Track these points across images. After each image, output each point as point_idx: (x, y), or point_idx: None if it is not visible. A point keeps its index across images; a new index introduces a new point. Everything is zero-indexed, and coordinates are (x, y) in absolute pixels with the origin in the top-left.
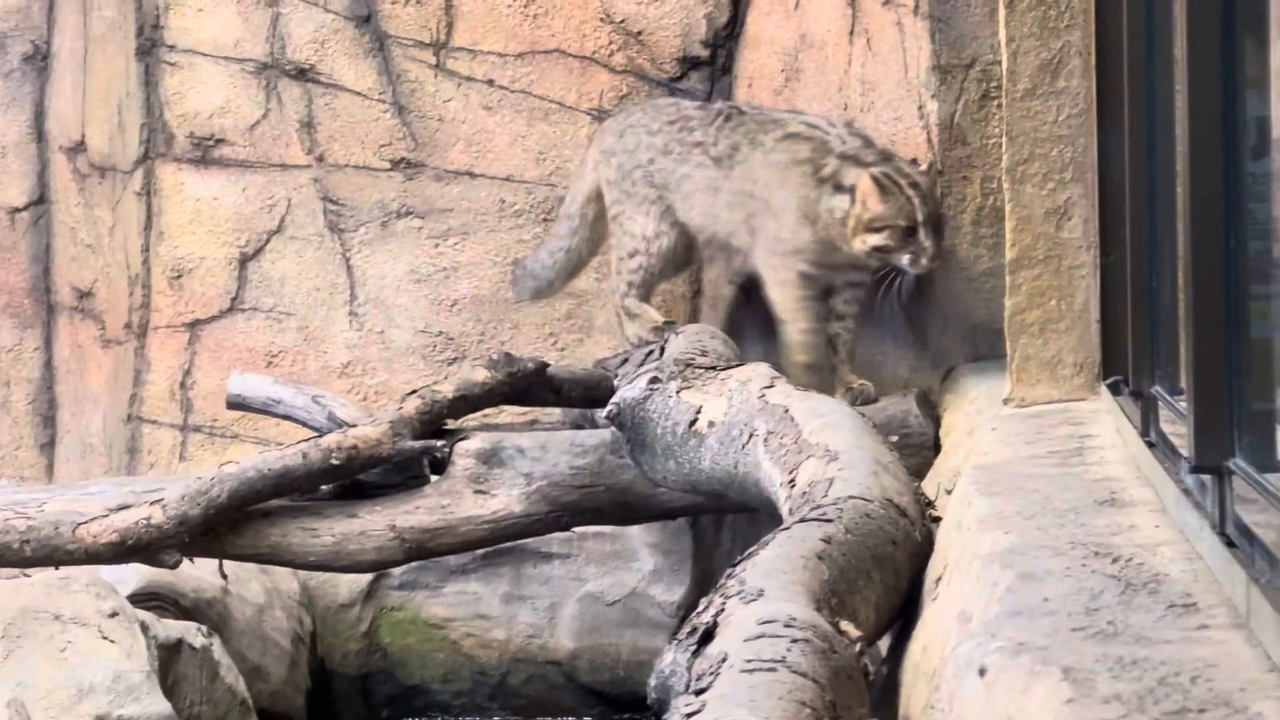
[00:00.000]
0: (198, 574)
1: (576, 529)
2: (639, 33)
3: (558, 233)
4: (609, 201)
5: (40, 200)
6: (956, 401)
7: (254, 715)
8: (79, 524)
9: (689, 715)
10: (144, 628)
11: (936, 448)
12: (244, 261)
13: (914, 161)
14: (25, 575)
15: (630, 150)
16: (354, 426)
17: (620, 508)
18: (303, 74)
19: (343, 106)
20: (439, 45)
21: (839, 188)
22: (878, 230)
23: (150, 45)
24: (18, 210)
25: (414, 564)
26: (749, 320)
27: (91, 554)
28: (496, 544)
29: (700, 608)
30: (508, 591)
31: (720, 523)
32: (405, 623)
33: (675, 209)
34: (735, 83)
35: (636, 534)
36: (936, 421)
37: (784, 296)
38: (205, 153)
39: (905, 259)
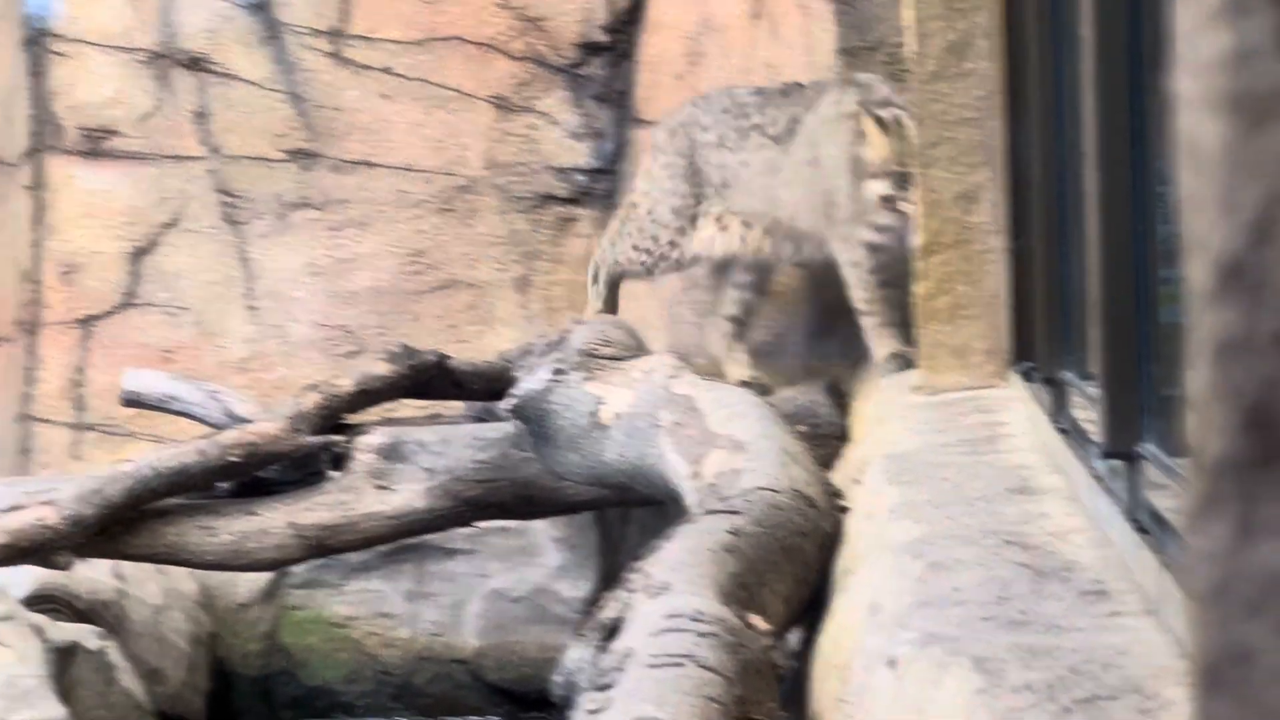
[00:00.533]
0: (93, 575)
1: (480, 524)
2: (538, 19)
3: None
4: (639, 192)
5: None
6: (865, 390)
7: (152, 719)
8: None
9: (594, 712)
10: (38, 631)
11: (845, 438)
12: (137, 256)
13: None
14: None
15: (681, 151)
16: (252, 422)
17: (524, 502)
18: (195, 63)
19: (237, 96)
20: (335, 33)
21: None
22: (878, 177)
23: (37, 35)
24: None
25: (315, 562)
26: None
27: None
28: (399, 540)
29: (605, 602)
30: (411, 589)
31: (627, 516)
32: (307, 622)
33: (732, 202)
34: (636, 68)
35: (541, 529)
36: (845, 411)
37: (855, 279)
38: (96, 145)
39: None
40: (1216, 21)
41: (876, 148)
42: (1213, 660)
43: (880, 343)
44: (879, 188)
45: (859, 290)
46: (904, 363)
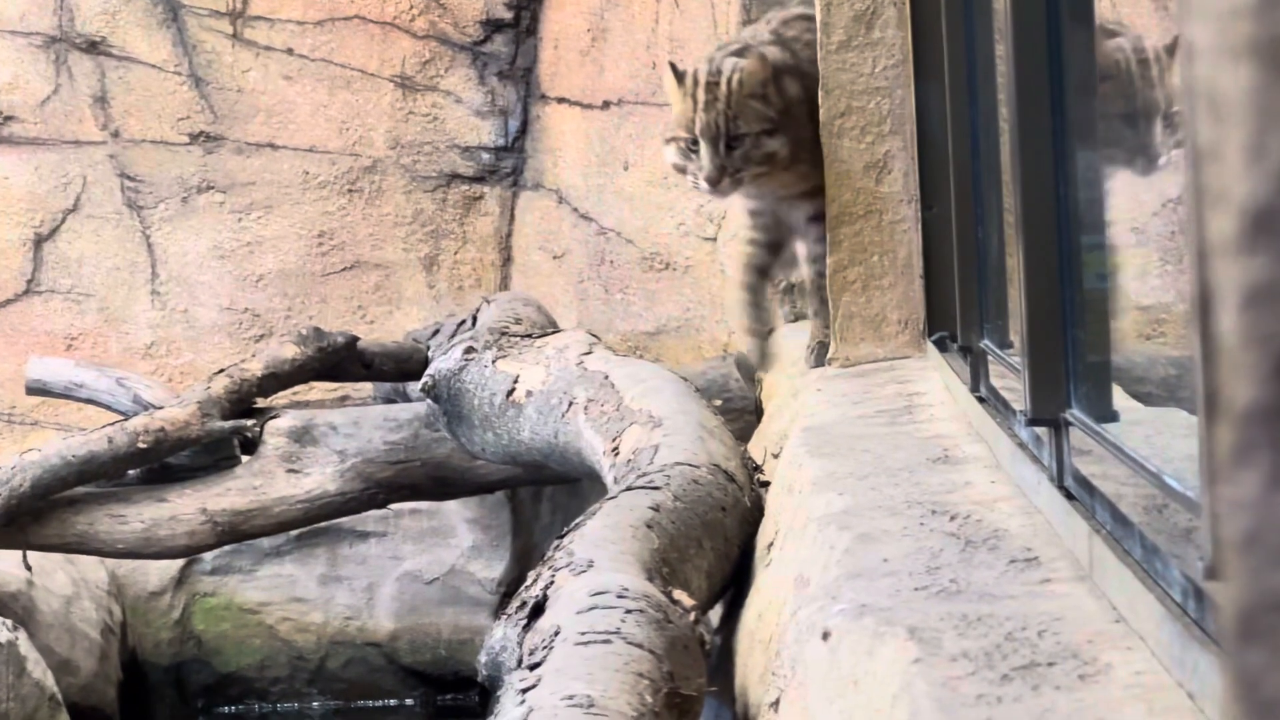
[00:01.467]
0: (1, 567)
1: (393, 506)
2: None
3: None
4: None
5: None
6: (778, 364)
7: (64, 710)
8: None
9: (524, 690)
10: None
11: (758, 412)
12: (39, 242)
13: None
14: None
15: None
16: (160, 408)
17: (437, 483)
18: (94, 47)
19: (137, 80)
20: (236, 14)
21: None
22: (669, 141)
23: None
24: None
25: (227, 548)
26: None
27: None
28: (311, 524)
29: (529, 581)
30: (324, 573)
31: (539, 495)
32: (219, 609)
33: None
34: (540, 44)
35: (454, 509)
36: (758, 385)
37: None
38: None
39: (690, 181)
40: None
41: (672, 106)
42: (1246, 610)
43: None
44: (669, 154)
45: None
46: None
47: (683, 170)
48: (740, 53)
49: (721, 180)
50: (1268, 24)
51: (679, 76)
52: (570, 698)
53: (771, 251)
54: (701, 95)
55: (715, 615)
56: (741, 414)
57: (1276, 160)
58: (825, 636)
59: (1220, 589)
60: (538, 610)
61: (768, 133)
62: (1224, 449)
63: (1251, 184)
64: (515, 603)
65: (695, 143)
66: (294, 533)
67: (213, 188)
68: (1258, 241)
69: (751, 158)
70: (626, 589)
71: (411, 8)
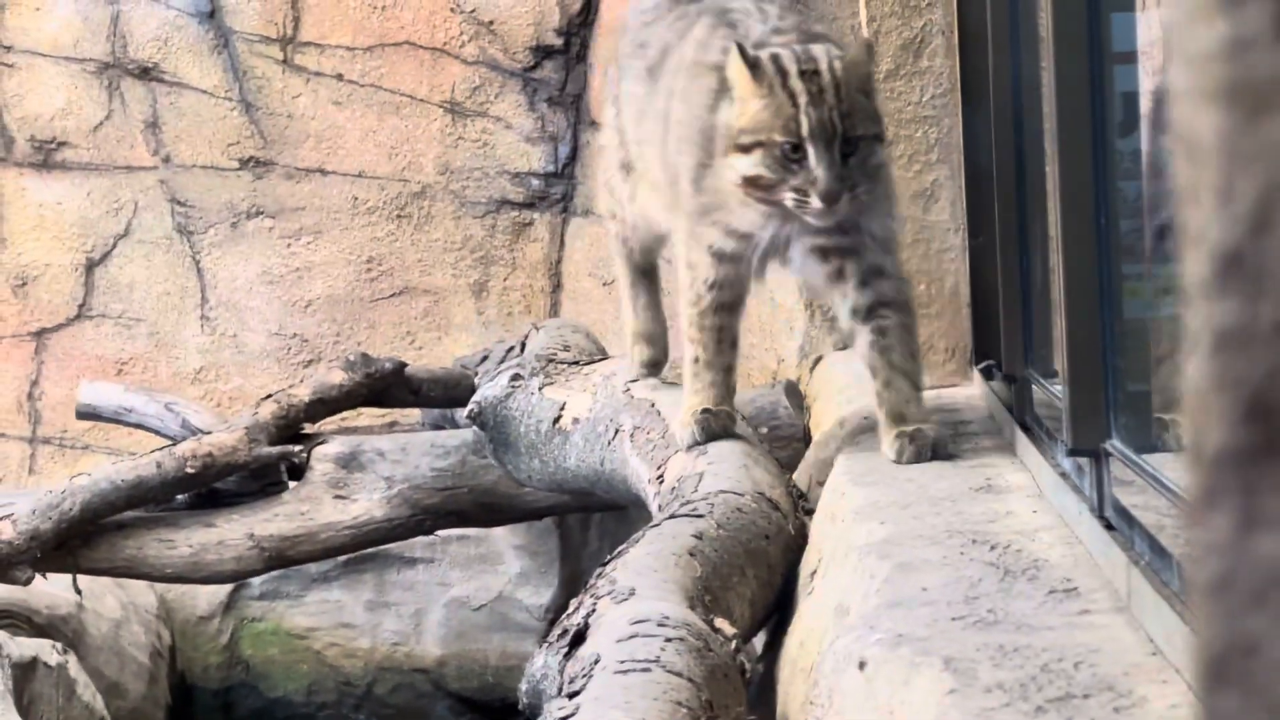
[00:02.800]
0: (51, 590)
1: (440, 532)
2: (490, 22)
3: None
4: None
5: None
6: (827, 391)
7: None
8: None
9: (563, 719)
10: None
11: (807, 439)
12: (90, 267)
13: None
14: None
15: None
16: (209, 433)
17: (484, 509)
18: (146, 73)
19: (188, 105)
20: (286, 40)
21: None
22: (746, 149)
23: None
24: None
25: (274, 573)
26: None
27: None
28: (358, 550)
29: (571, 609)
30: (371, 599)
31: (587, 522)
32: (267, 634)
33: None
34: (590, 70)
35: (501, 536)
36: (806, 412)
37: (685, 291)
38: (47, 156)
39: (788, 198)
40: (1213, 11)
41: (745, 103)
42: (1218, 653)
43: (688, 391)
44: (745, 166)
45: (685, 308)
46: (706, 426)
47: (770, 186)
48: (815, 39)
49: (841, 197)
50: (1239, 67)
51: (753, 64)
52: None
53: (732, 311)
54: (800, 86)
55: (759, 642)
56: (790, 441)
57: (1245, 203)
58: (862, 666)
59: (1192, 634)
60: (579, 638)
61: (878, 138)
62: (1195, 492)
63: (1221, 226)
64: (557, 630)
65: (797, 148)
66: (341, 559)
67: (262, 213)
68: (1227, 284)
69: (866, 171)
70: (667, 617)
71: (461, 34)
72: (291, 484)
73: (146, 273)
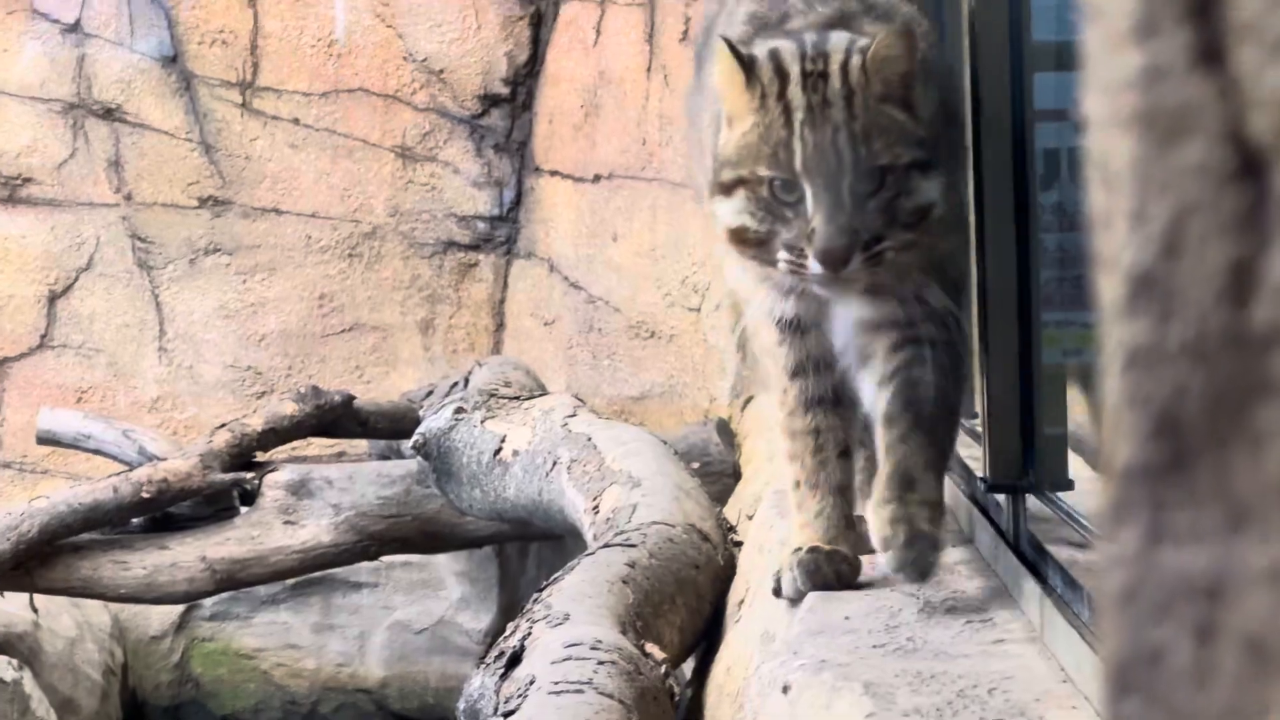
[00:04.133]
0: (8, 608)
1: (384, 558)
2: (441, 71)
3: None
4: None
5: None
6: (757, 429)
7: None
8: None
9: None
10: None
11: (737, 475)
12: (53, 299)
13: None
14: None
15: None
16: (164, 460)
17: (427, 537)
18: (110, 113)
19: (150, 145)
20: (245, 85)
21: None
22: (728, 188)
23: None
24: None
25: (225, 595)
26: None
27: None
28: (306, 574)
29: (508, 632)
30: (317, 621)
31: (526, 550)
32: (216, 653)
33: None
34: (536, 119)
35: (443, 562)
36: (737, 449)
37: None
38: (13, 192)
39: (781, 260)
40: (1128, 41)
41: (733, 121)
42: (1124, 662)
43: (792, 522)
44: (726, 213)
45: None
46: (813, 571)
47: (761, 241)
48: (843, 24)
49: (850, 258)
50: (1152, 95)
51: (747, 64)
52: None
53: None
54: (799, 96)
55: (689, 668)
56: (720, 476)
57: (1156, 226)
58: (785, 690)
59: (1098, 644)
60: (515, 660)
61: (920, 166)
62: (1105, 506)
63: (1133, 249)
64: (494, 652)
65: (791, 186)
66: (289, 581)
67: (219, 250)
68: (1138, 305)
69: (899, 215)
70: (600, 641)
71: (413, 81)
72: (243, 509)
73: (107, 305)
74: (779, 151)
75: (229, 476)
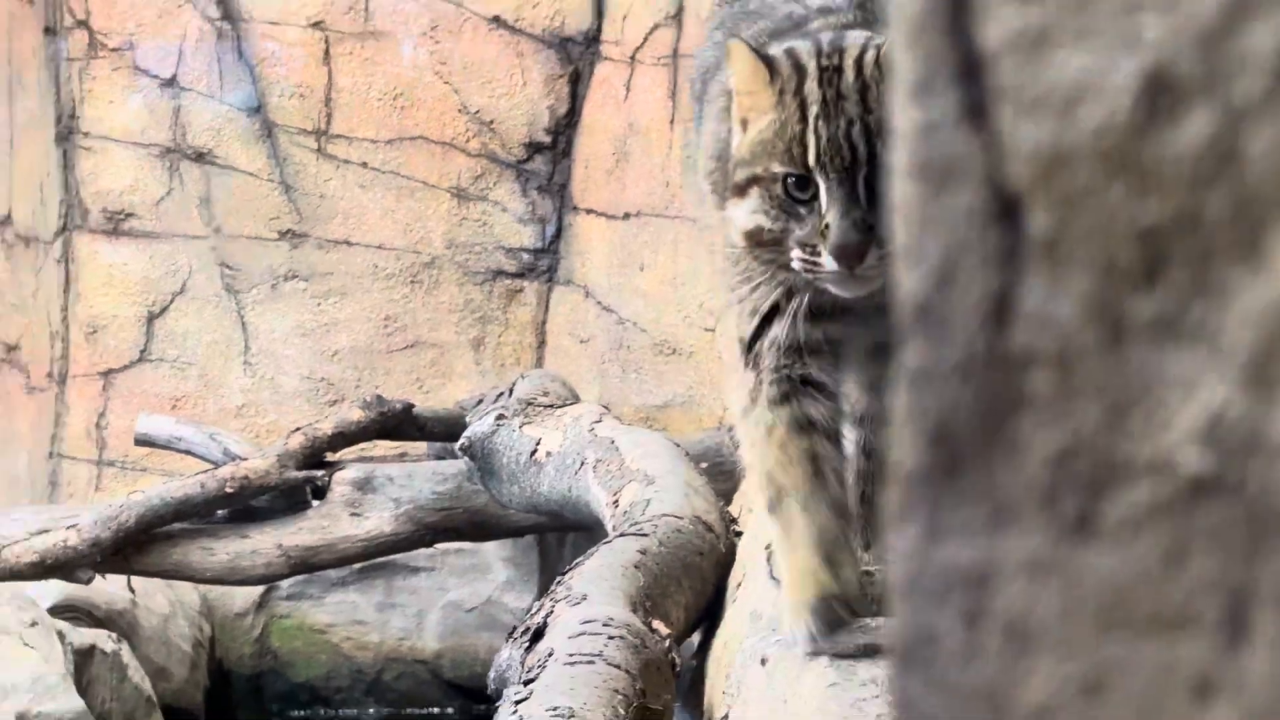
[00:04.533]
0: (109, 589)
1: (439, 546)
2: (491, 122)
3: None
4: None
5: None
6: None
7: (158, 711)
8: (4, 546)
9: (518, 702)
10: (61, 635)
11: (743, 474)
12: (151, 319)
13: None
14: None
15: None
16: (246, 460)
17: (476, 527)
18: (201, 157)
19: (236, 185)
20: (320, 133)
21: None
22: (742, 188)
23: (68, 132)
24: None
25: (299, 577)
26: None
27: (15, 572)
28: (370, 559)
29: (533, 610)
30: (381, 600)
31: (563, 539)
32: (292, 629)
33: None
34: (573, 164)
35: (491, 549)
36: None
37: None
38: (117, 225)
39: (795, 259)
40: (912, 99)
41: (749, 122)
42: (906, 644)
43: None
44: (741, 215)
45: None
46: (827, 616)
47: (776, 240)
48: (863, 24)
49: (867, 253)
50: (928, 147)
51: (767, 61)
52: (554, 709)
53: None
54: (814, 90)
55: (698, 641)
56: (729, 475)
57: (932, 261)
58: (764, 662)
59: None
60: (538, 635)
61: None
62: (892, 507)
63: (913, 280)
64: (521, 628)
65: (805, 183)
66: (356, 566)
67: (297, 276)
68: (917, 329)
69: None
70: (612, 619)
71: (467, 130)
72: (315, 503)
73: (198, 324)
74: (793, 147)
75: (302, 474)
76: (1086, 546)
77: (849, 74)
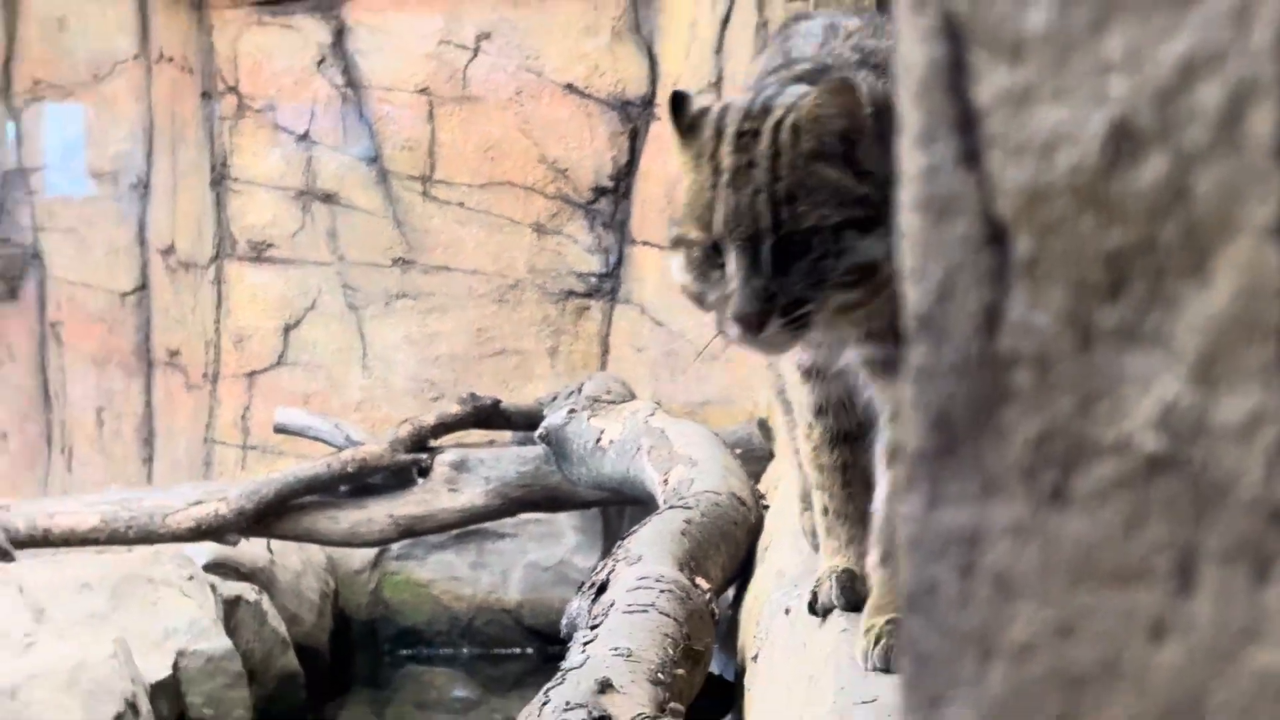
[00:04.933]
0: (252, 550)
1: (521, 516)
2: (565, 169)
3: None
4: None
5: (142, 287)
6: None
7: (291, 649)
8: (167, 515)
9: (586, 644)
10: (213, 588)
11: (770, 458)
12: (287, 330)
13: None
14: (129, 551)
15: None
16: (363, 445)
17: (551, 501)
18: (328, 198)
19: (357, 221)
20: (425, 179)
21: None
22: (674, 245)
23: (220, 178)
24: (126, 294)
25: (406, 541)
26: None
27: (176, 536)
28: (464, 527)
29: (598, 568)
30: (474, 560)
31: (622, 511)
32: (401, 583)
33: None
34: (632, 204)
35: (564, 519)
36: (772, 440)
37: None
38: (259, 253)
39: (715, 319)
40: (917, 146)
41: (682, 179)
42: (911, 593)
43: (824, 548)
44: (674, 271)
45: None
46: (849, 590)
47: (698, 298)
48: (809, 78)
49: (767, 322)
50: (930, 186)
51: (688, 123)
52: (616, 649)
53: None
54: (728, 155)
55: (733, 594)
56: (759, 460)
57: (933, 280)
58: (787, 612)
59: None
60: (602, 588)
61: (856, 224)
62: (899, 480)
63: (917, 296)
64: (588, 583)
65: (715, 249)
66: (453, 532)
67: (406, 296)
68: (920, 336)
69: (827, 275)
70: (662, 576)
71: (545, 177)
72: (420, 481)
73: (326, 335)
74: (704, 214)
75: (409, 457)
76: (1061, 513)
77: (764, 139)
